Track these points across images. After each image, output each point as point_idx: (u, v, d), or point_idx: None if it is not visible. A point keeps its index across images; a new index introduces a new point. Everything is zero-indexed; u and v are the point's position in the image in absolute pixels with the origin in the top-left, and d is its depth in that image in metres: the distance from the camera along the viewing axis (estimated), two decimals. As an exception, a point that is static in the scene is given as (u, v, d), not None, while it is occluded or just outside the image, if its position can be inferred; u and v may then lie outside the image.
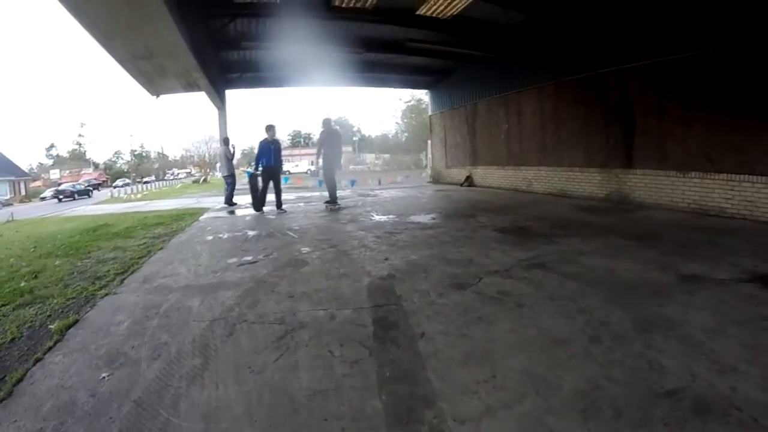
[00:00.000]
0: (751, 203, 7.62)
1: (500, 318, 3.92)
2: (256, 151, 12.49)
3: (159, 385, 3.04)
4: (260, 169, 11.98)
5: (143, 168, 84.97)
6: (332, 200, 12.28)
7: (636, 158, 9.99)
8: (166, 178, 70.99)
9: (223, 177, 15.30)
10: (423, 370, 3.06)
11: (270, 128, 11.92)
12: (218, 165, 27.09)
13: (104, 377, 3.19)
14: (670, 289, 4.42)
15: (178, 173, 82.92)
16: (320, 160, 12.05)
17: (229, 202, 14.71)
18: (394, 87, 21.97)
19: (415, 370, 3.08)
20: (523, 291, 4.58)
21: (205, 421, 2.62)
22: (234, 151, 15.46)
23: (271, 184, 12.09)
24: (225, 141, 15.45)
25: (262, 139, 11.88)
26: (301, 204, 14.08)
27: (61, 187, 51.00)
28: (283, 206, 12.22)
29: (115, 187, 55.36)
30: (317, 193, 17.86)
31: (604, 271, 5.11)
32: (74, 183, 56.67)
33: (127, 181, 68.28)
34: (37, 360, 3.50)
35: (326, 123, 12.23)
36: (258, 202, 12.12)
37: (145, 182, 62.97)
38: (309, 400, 2.79)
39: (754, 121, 7.48)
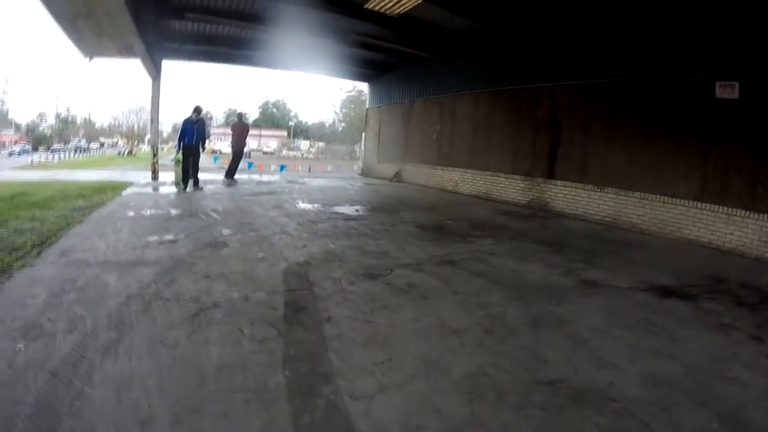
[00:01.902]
0: (661, 221, 8.28)
1: (404, 307, 4.22)
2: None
3: (74, 357, 3.13)
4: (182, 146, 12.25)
5: (66, 134, 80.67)
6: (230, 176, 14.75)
7: (558, 170, 10.55)
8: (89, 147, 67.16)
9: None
10: (325, 351, 3.31)
11: (197, 109, 12.22)
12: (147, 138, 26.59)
13: (20, 348, 3.23)
14: (568, 291, 4.81)
15: (103, 142, 78.77)
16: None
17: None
18: (335, 76, 21.93)
19: (318, 351, 3.32)
20: (431, 284, 4.89)
21: (118, 390, 2.75)
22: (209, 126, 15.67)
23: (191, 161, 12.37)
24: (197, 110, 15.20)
25: (187, 117, 11.92)
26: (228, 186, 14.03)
27: None
28: (199, 184, 12.57)
29: (53, 152, 52.87)
30: (276, 177, 18.10)
31: (510, 272, 5.47)
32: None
33: (79, 144, 64.75)
34: (-53, 330, 3.46)
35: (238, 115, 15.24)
36: (179, 180, 12.26)
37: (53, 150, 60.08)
38: (217, 373, 2.97)
39: (669, 146, 8.16)
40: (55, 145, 62.85)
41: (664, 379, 3.04)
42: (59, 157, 37.00)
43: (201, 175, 12.72)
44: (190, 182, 12.26)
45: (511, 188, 12.09)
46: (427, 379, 2.99)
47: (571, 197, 10.18)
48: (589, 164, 9.76)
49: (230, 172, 14.96)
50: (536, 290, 4.83)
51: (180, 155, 12.16)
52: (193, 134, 12.11)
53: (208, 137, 14.04)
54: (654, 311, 4.34)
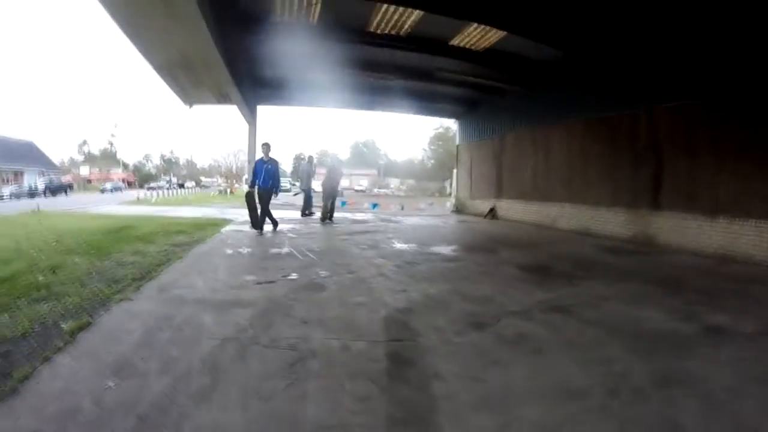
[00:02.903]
0: None
1: (517, 363, 3.82)
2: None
3: (165, 402, 2.98)
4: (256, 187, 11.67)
5: (170, 173, 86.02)
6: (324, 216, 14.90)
7: (663, 200, 9.84)
8: (185, 185, 70.79)
9: (303, 190, 16.53)
10: (434, 414, 2.97)
11: (265, 146, 11.59)
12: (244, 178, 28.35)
13: (110, 386, 3.14)
14: (693, 341, 4.29)
15: (201, 181, 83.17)
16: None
17: (304, 213, 16.16)
18: (424, 114, 22.08)
19: (425, 413, 2.98)
20: (542, 335, 4.47)
21: (209, 445, 2.55)
22: (315, 169, 16.75)
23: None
24: (310, 159, 16.85)
25: (250, 153, 11.85)
26: (323, 225, 14.12)
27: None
28: (264, 228, 11.65)
29: (148, 189, 56.70)
30: (370, 215, 18.23)
31: (624, 319, 4.98)
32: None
33: (162, 183, 68.62)
34: (46, 359, 3.48)
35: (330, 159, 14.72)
36: (255, 222, 11.62)
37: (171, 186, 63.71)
38: (315, 434, 2.71)
39: None
40: (152, 184, 67.23)
41: None
42: (157, 194, 39.19)
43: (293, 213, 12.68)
44: (267, 223, 11.74)
45: (612, 222, 11.46)
46: (549, 450, 2.58)
47: (678, 229, 9.44)
48: (697, 192, 9.03)
49: (327, 214, 15.00)
50: (657, 340, 4.32)
51: (246, 194, 11.66)
52: (262, 175, 11.36)
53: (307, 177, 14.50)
54: None
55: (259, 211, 11.46)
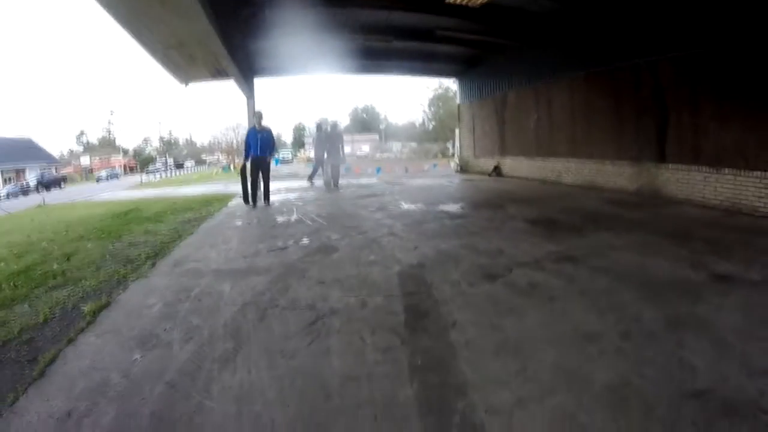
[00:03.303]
0: None
1: (531, 311, 3.89)
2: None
3: (191, 368, 3.08)
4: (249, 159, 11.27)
5: (171, 155, 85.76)
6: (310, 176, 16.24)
7: (668, 152, 9.70)
8: (184, 165, 70.22)
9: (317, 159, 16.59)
10: (455, 360, 3.06)
11: (257, 115, 11.32)
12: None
13: (136, 358, 3.24)
14: (701, 288, 4.30)
15: (205, 160, 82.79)
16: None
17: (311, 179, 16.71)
18: (423, 75, 21.80)
19: (446, 360, 3.07)
20: (554, 284, 4.53)
21: (238, 403, 2.65)
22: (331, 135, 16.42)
23: (260, 175, 11.39)
24: (318, 127, 16.74)
25: (249, 127, 11.44)
26: (329, 191, 14.20)
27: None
28: (270, 200, 11.47)
29: (147, 173, 56.07)
30: (374, 180, 18.23)
31: (634, 267, 4.99)
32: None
33: (163, 166, 67.97)
34: (70, 341, 3.56)
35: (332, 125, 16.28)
36: (247, 195, 11.20)
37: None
38: (341, 386, 2.80)
39: None
40: (150, 167, 66.87)
41: None
42: (158, 177, 39.12)
43: (304, 182, 12.61)
44: (260, 197, 11.38)
45: (617, 175, 11.32)
46: (567, 391, 2.68)
47: (684, 181, 9.30)
48: (702, 144, 8.85)
49: (331, 181, 15.36)
50: (667, 287, 4.34)
51: (240, 168, 11.27)
52: (257, 145, 10.94)
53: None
54: None
55: (261, 183, 11.26)
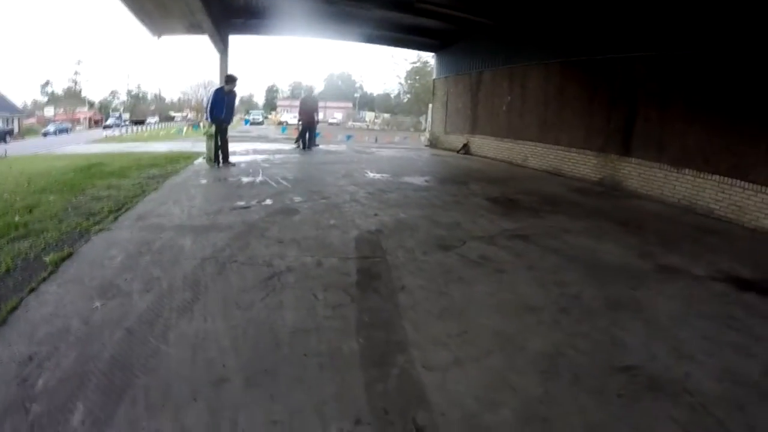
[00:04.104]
0: (739, 208, 7.57)
1: (479, 280, 4.10)
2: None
3: (150, 316, 3.20)
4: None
5: (138, 109, 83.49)
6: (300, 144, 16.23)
7: (633, 147, 9.89)
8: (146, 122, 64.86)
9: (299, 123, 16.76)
10: (400, 320, 3.25)
11: (231, 79, 11.11)
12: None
13: (97, 306, 3.33)
14: (645, 275, 4.54)
15: (173, 116, 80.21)
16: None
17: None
18: (401, 47, 21.68)
19: (392, 319, 3.26)
20: (504, 258, 4.74)
21: (193, 350, 2.80)
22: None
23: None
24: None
25: (218, 87, 11.32)
26: (297, 155, 14.21)
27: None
28: (230, 159, 11.33)
29: (105, 128, 52.72)
30: (344, 147, 18.32)
31: (585, 250, 5.22)
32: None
33: (118, 121, 63.48)
34: (32, 290, 3.60)
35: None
36: (214, 155, 11.11)
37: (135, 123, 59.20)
38: (291, 336, 2.97)
39: (753, 128, 7.42)
40: (108, 121, 63.29)
41: (741, 377, 2.80)
42: (116, 132, 37.69)
43: (275, 145, 12.57)
44: (220, 158, 11.10)
45: (582, 164, 11.52)
46: (503, 354, 2.89)
47: (646, 177, 9.54)
48: (667, 142, 9.07)
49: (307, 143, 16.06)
50: (612, 271, 4.58)
51: (212, 129, 10.95)
52: (223, 106, 10.84)
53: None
54: (733, 304, 3.99)
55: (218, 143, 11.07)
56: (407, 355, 2.80)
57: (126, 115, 73.60)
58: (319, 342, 2.92)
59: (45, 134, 51.39)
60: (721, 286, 4.41)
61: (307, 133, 16.20)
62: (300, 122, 16.60)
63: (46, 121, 62.70)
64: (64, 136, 46.53)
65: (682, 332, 3.31)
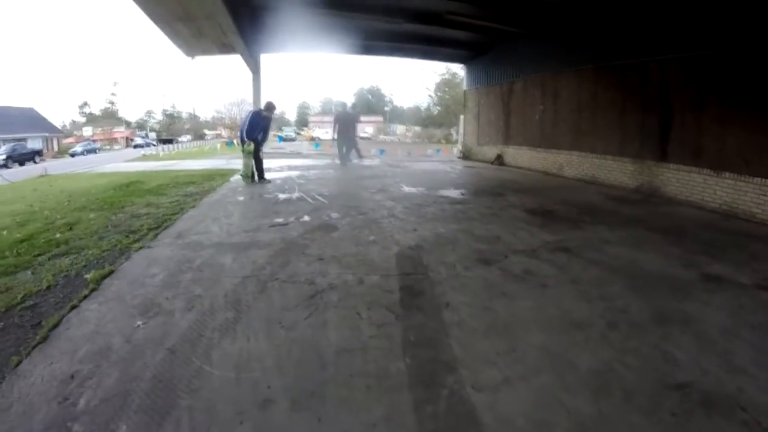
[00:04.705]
0: None
1: (523, 296, 4.00)
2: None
3: (192, 335, 3.19)
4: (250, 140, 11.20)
5: (173, 128, 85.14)
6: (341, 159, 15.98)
7: (670, 152, 9.70)
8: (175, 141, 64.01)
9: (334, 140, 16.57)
10: (446, 338, 3.18)
11: (271, 107, 11.69)
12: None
13: (139, 325, 3.33)
14: (691, 286, 4.39)
15: (205, 134, 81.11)
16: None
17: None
18: (431, 59, 21.69)
19: (438, 337, 3.19)
20: (547, 272, 4.63)
21: (237, 370, 2.77)
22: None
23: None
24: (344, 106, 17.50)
25: (256, 110, 11.65)
26: (331, 170, 14.17)
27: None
28: (266, 176, 11.62)
29: (135, 147, 53.15)
30: (377, 162, 18.26)
31: (627, 261, 5.08)
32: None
33: (149, 141, 63.55)
34: (73, 307, 3.63)
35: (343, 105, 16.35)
36: (251, 173, 11.26)
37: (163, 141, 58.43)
38: (336, 357, 2.93)
39: None
40: (138, 140, 63.31)
41: None
42: (153, 151, 37.92)
43: (309, 161, 12.62)
44: (256, 175, 11.29)
45: (618, 171, 11.32)
46: (552, 373, 2.81)
47: (684, 182, 9.31)
48: (704, 146, 8.83)
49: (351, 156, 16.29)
50: (657, 283, 4.44)
51: (251, 147, 11.05)
52: (259, 129, 11.17)
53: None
54: None
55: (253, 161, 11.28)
56: (456, 375, 2.73)
57: (153, 134, 74.44)
58: (365, 362, 2.87)
59: (72, 155, 50.00)
60: None
61: (344, 148, 16.08)
62: (335, 138, 16.24)
63: (85, 140, 63.76)
64: (92, 157, 44.55)
65: (733, 345, 3.20)
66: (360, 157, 17.33)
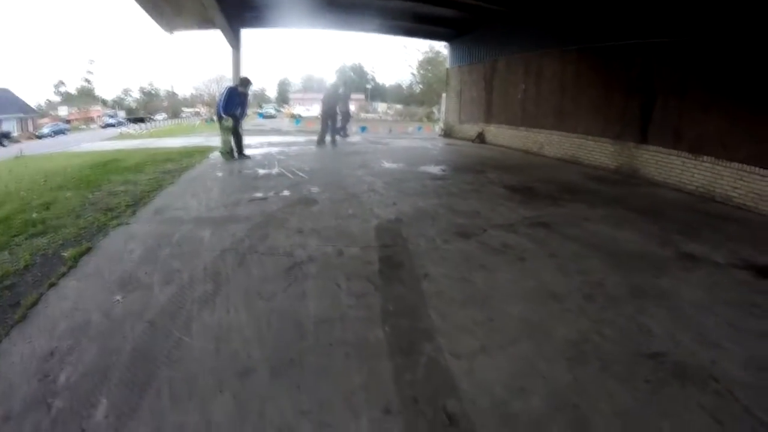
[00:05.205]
0: (758, 195, 7.40)
1: (501, 268, 4.04)
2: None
3: (172, 308, 3.19)
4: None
5: (151, 106, 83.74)
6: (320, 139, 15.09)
7: (651, 134, 9.73)
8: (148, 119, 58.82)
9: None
10: (425, 308, 3.21)
11: (246, 82, 11.52)
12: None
13: (118, 300, 3.32)
14: (667, 263, 4.46)
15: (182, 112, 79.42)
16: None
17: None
18: (414, 37, 21.49)
19: (417, 307, 3.22)
20: (526, 246, 4.67)
21: (217, 341, 2.78)
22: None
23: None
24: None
25: (232, 86, 11.47)
26: (312, 146, 14.08)
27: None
28: (246, 152, 11.63)
29: (106, 126, 51.44)
30: (358, 138, 18.19)
31: (605, 238, 5.14)
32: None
33: (120, 119, 60.78)
34: (51, 285, 3.60)
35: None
36: (231, 149, 11.22)
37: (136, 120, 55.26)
38: (316, 326, 2.94)
39: None
40: (109, 120, 61.01)
41: (766, 363, 2.75)
42: (130, 129, 37.05)
43: (289, 137, 12.46)
44: (235, 151, 11.27)
45: (599, 152, 11.36)
46: (529, 341, 2.85)
47: (663, 164, 9.38)
48: (685, 130, 8.87)
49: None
50: (634, 259, 4.51)
51: (230, 122, 10.94)
52: (236, 104, 11.09)
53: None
54: (755, 292, 3.91)
55: (233, 137, 11.25)
56: (434, 343, 2.76)
57: (122, 113, 72.38)
58: (344, 331, 2.89)
59: (40, 137, 46.45)
60: (742, 273, 4.32)
61: (327, 128, 15.41)
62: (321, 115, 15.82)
63: (61, 120, 61.78)
64: (65, 138, 42.05)
65: (707, 320, 3.26)
66: (345, 135, 17.04)
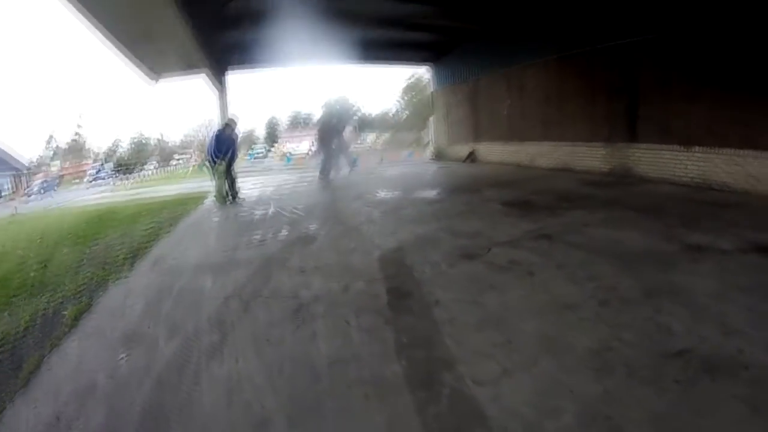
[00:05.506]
0: (754, 177, 7.45)
1: (511, 285, 3.96)
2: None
3: (178, 362, 3.09)
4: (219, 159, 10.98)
5: (143, 156, 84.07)
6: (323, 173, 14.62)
7: (640, 132, 9.78)
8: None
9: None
10: (439, 336, 3.11)
11: (232, 123, 11.42)
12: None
13: (122, 358, 3.23)
14: (675, 257, 4.40)
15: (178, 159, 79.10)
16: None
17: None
18: (396, 64, 21.68)
19: (431, 336, 3.13)
20: (532, 260, 4.59)
21: (228, 393, 2.67)
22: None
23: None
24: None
25: (218, 129, 11.49)
26: (305, 183, 14.06)
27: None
28: (239, 195, 11.41)
29: (94, 180, 50.42)
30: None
31: (609, 241, 5.08)
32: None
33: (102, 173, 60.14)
34: (53, 346, 3.53)
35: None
36: (224, 194, 11.03)
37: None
38: (329, 368, 2.84)
39: (760, 96, 7.26)
40: (97, 173, 59.99)
41: None
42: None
43: (281, 176, 12.46)
44: (229, 195, 11.11)
45: (590, 157, 11.37)
46: (551, 357, 2.76)
47: (655, 160, 9.41)
48: (672, 123, 8.92)
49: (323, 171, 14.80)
50: (641, 258, 4.44)
51: (222, 167, 10.81)
52: (225, 147, 10.91)
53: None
54: (767, 272, 3.88)
55: (226, 181, 11.06)
56: (454, 372, 2.67)
57: (108, 164, 70.94)
58: (359, 370, 2.79)
59: (28, 195, 42.59)
60: (750, 257, 4.29)
61: (328, 163, 14.95)
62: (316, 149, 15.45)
63: (54, 176, 61.17)
64: (51, 194, 36.61)
65: (725, 308, 3.20)
66: (353, 166, 16.54)
